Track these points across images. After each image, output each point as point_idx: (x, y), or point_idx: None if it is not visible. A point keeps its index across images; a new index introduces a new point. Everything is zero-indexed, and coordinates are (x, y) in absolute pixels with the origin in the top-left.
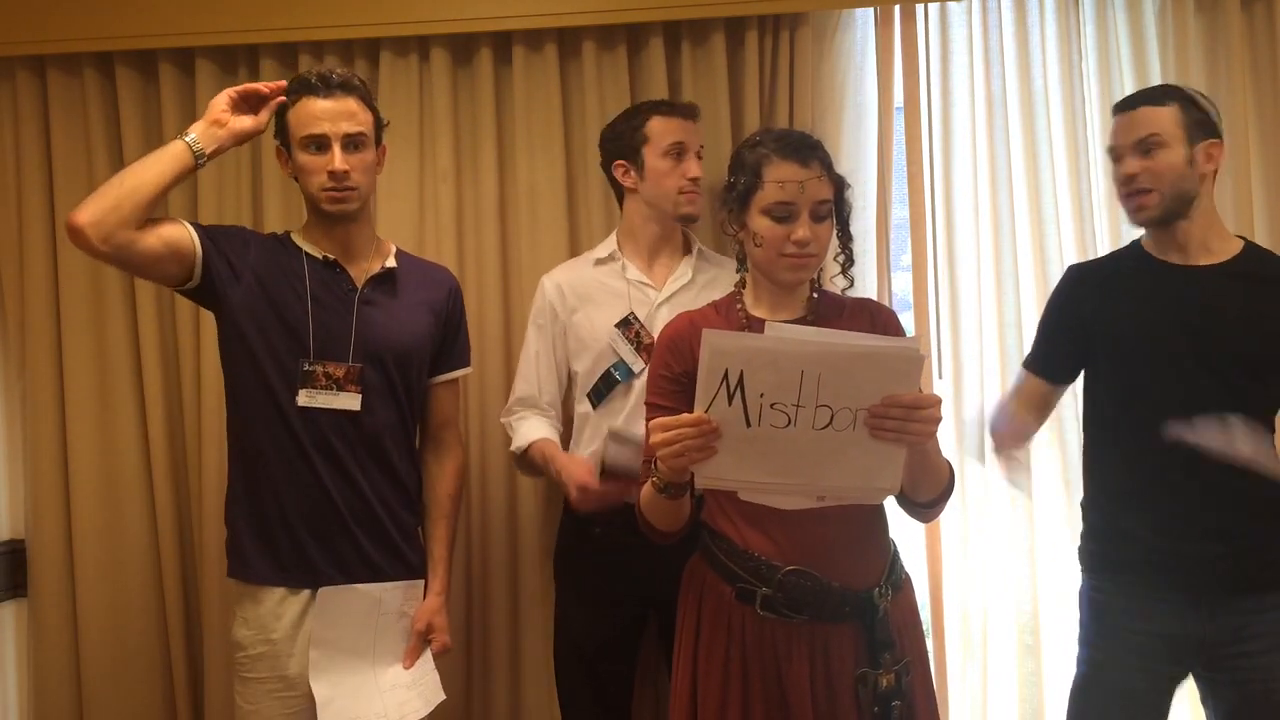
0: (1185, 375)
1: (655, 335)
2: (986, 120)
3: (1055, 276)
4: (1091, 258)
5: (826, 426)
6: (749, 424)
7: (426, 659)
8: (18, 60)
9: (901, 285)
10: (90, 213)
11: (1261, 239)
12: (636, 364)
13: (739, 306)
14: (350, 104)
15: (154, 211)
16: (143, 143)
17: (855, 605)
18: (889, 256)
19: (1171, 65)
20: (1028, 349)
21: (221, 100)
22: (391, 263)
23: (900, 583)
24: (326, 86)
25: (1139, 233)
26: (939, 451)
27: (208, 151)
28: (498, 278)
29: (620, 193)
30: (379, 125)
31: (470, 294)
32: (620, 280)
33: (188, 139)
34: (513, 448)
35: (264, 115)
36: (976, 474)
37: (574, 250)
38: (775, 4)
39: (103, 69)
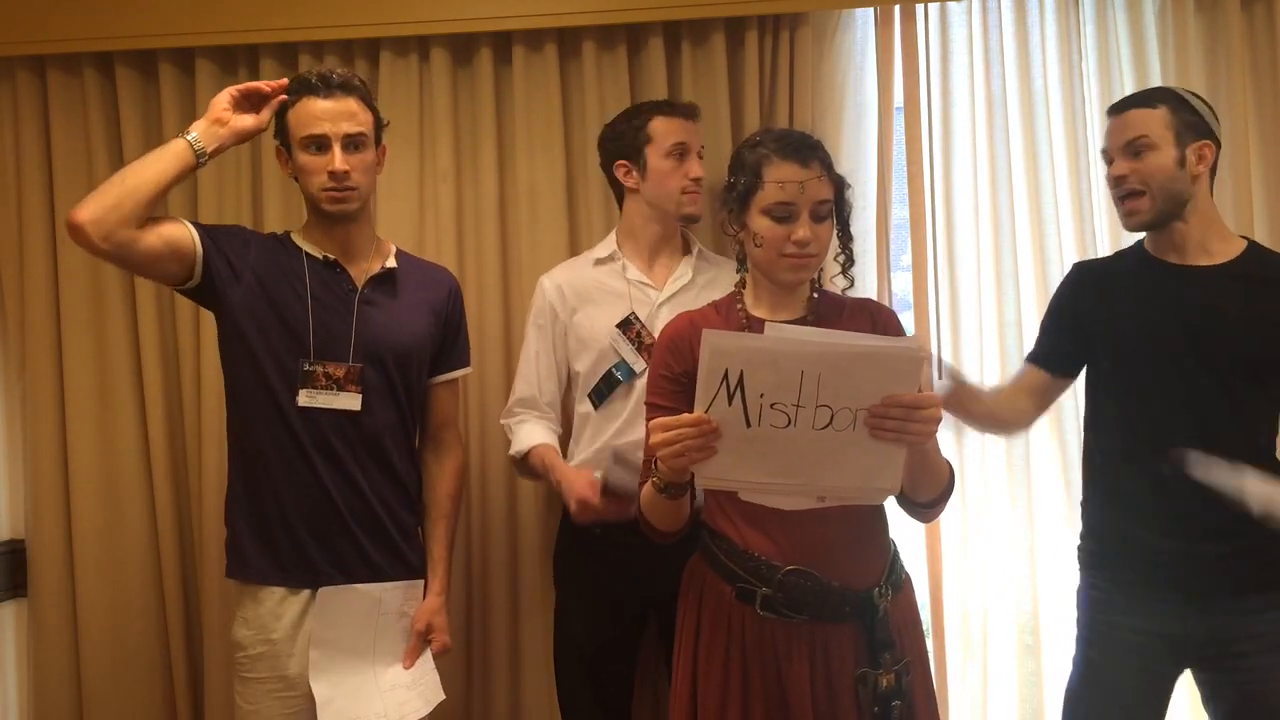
0: (1185, 376)
1: (656, 335)
2: (986, 120)
3: (1055, 276)
4: (1092, 257)
5: (826, 426)
6: (749, 424)
7: (426, 659)
8: (18, 60)
9: (901, 285)
10: (91, 210)
11: (1261, 239)
12: (638, 364)
13: (739, 306)
14: (350, 104)
15: (155, 210)
16: (143, 143)
17: (855, 605)
18: (889, 256)
19: (1171, 65)
20: (1028, 349)
21: (223, 99)
22: (392, 263)
23: (900, 583)
24: (327, 86)
25: (1139, 233)
26: (939, 452)
27: (209, 150)
28: (498, 278)
29: (620, 193)
30: (379, 125)
31: (470, 294)
32: (621, 280)
33: (189, 137)
34: (512, 452)
35: (265, 114)
36: (976, 474)
37: (574, 250)
38: (775, 4)
39: (103, 69)
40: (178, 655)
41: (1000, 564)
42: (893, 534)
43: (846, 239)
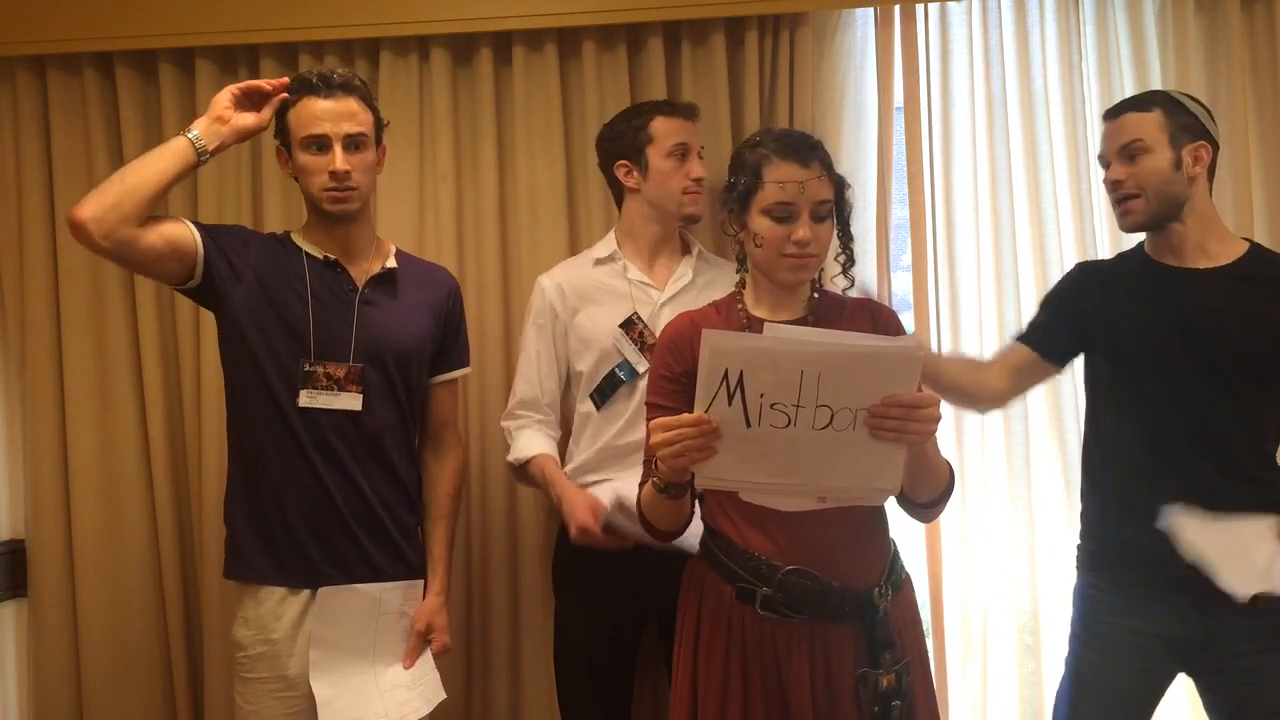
0: (1183, 378)
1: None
2: (986, 120)
3: (1055, 276)
4: (1092, 257)
5: (826, 427)
6: (749, 424)
7: (427, 658)
8: (18, 60)
9: (901, 285)
10: (92, 208)
11: (1261, 239)
12: (640, 364)
13: (739, 307)
14: (351, 104)
15: (156, 209)
16: (143, 143)
17: (855, 605)
18: (889, 256)
19: (1171, 65)
20: None
21: (224, 97)
22: (392, 263)
23: (900, 582)
24: (327, 87)
25: (1139, 234)
26: (938, 452)
27: (210, 148)
28: (498, 278)
29: (619, 193)
30: (379, 125)
31: (470, 294)
32: (622, 280)
33: (190, 135)
34: (510, 458)
35: (266, 112)
36: (976, 474)
37: (574, 250)
38: (775, 4)
39: (103, 69)
40: (178, 655)
41: (1000, 564)
42: (893, 534)
43: (847, 239)
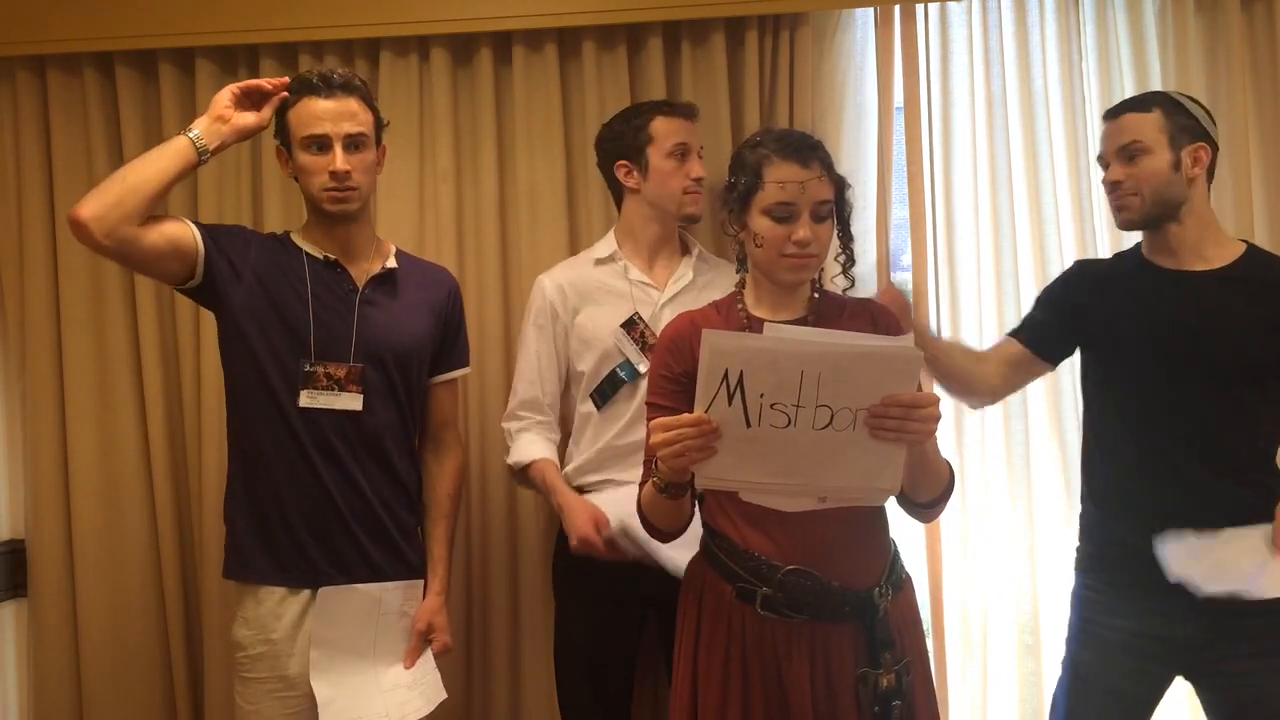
0: (1177, 381)
1: None
2: (986, 120)
3: (1055, 276)
4: (1092, 257)
5: (826, 427)
6: (749, 424)
7: (427, 658)
8: (18, 60)
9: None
10: (93, 207)
11: (1261, 239)
12: (642, 364)
13: (740, 307)
14: (351, 104)
15: (157, 208)
16: (143, 143)
17: (855, 605)
18: (889, 256)
19: (1171, 65)
20: None
21: (225, 96)
22: (392, 263)
23: (900, 582)
24: (328, 86)
25: (1138, 234)
26: (938, 452)
27: (211, 147)
28: (498, 278)
29: (619, 193)
30: (379, 125)
31: (470, 294)
32: (622, 280)
33: (191, 134)
34: (510, 461)
35: (267, 111)
36: (976, 474)
37: (574, 250)
38: (775, 4)
39: (103, 69)
40: (178, 655)
41: (1000, 564)
42: (893, 534)
43: (847, 239)
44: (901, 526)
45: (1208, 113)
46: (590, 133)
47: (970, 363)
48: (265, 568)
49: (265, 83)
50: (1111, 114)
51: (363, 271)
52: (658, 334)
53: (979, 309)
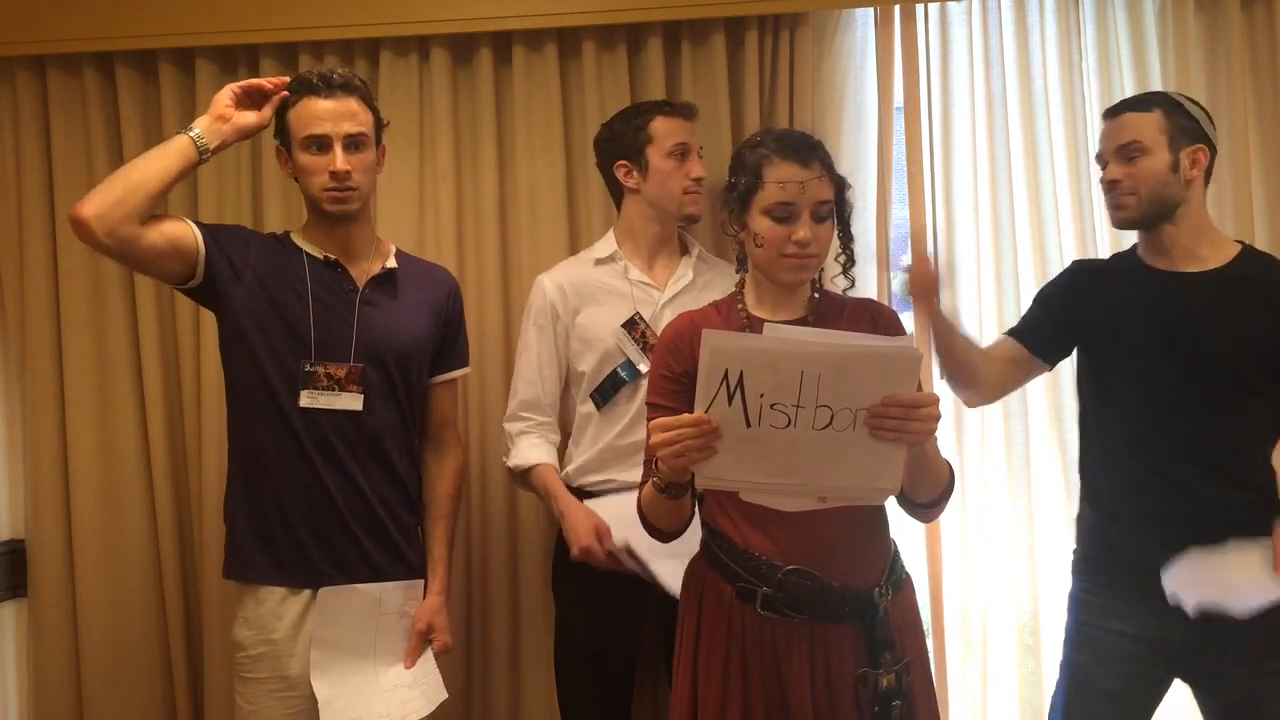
0: (1170, 384)
1: None
2: (986, 120)
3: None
4: (1091, 257)
5: (826, 427)
6: (749, 424)
7: (428, 658)
8: (18, 60)
9: (901, 285)
10: (95, 206)
11: (1261, 239)
12: (643, 364)
13: (740, 307)
14: (351, 104)
15: (158, 207)
16: (142, 143)
17: (855, 605)
18: (889, 256)
19: (1171, 65)
20: None
21: (225, 95)
22: (392, 263)
23: (901, 582)
24: (328, 87)
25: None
26: (938, 452)
27: (211, 146)
28: (498, 278)
29: (618, 193)
30: (379, 125)
31: (470, 294)
32: (623, 280)
33: (192, 133)
34: (511, 464)
35: (267, 111)
36: (976, 474)
37: (574, 250)
38: (775, 4)
39: (103, 69)
40: (178, 655)
41: (1000, 564)
42: (893, 534)
43: (847, 239)
44: (901, 526)
45: (1207, 115)
46: (590, 133)
47: (979, 356)
48: (265, 568)
49: (266, 82)
50: (1111, 113)
51: (363, 271)
52: (659, 334)
53: (979, 309)
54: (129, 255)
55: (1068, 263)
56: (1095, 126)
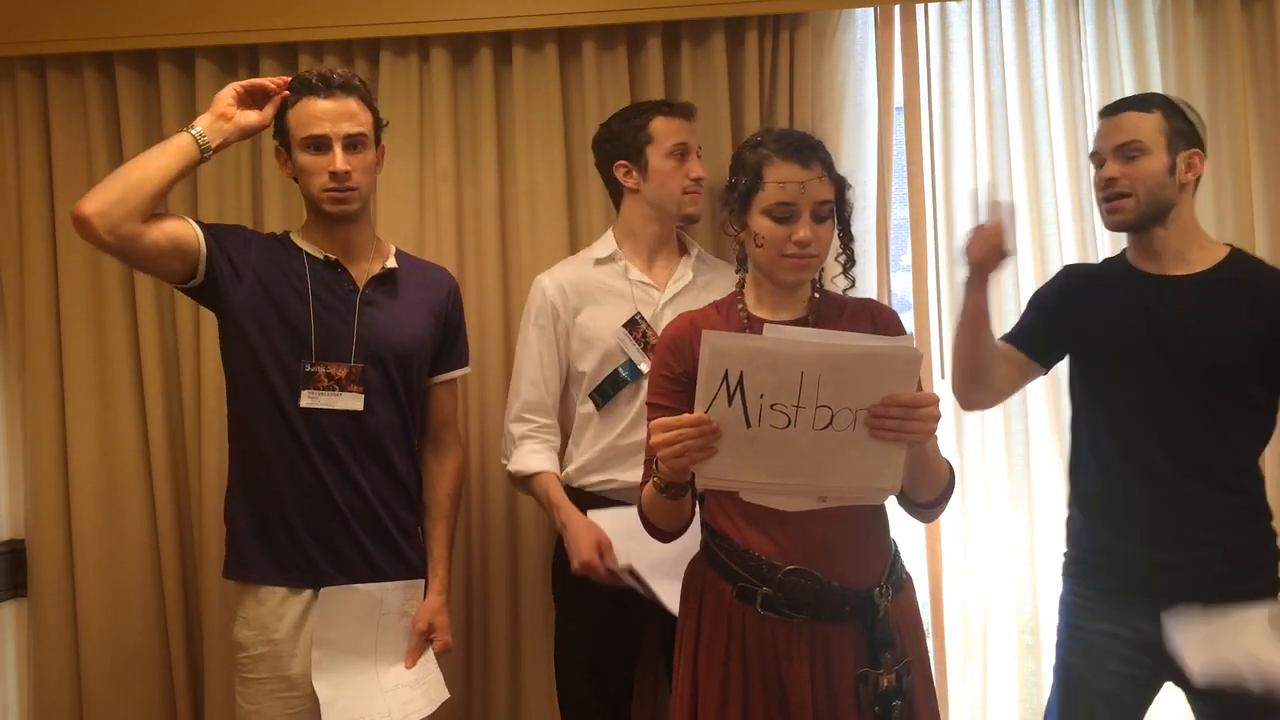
0: (1156, 385)
1: None
2: (986, 120)
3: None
4: (1091, 256)
5: (826, 427)
6: (749, 424)
7: (429, 658)
8: (18, 60)
9: (901, 285)
10: (96, 203)
11: (1261, 239)
12: (644, 364)
13: (740, 307)
14: (351, 104)
15: (159, 205)
16: (142, 143)
17: (856, 605)
18: (889, 256)
19: (1171, 65)
20: None
21: (227, 94)
22: (392, 263)
23: (901, 582)
24: (327, 87)
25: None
26: (938, 452)
27: (213, 145)
28: (498, 278)
29: (617, 193)
30: (379, 125)
31: (470, 294)
32: (623, 280)
33: (193, 132)
34: (512, 469)
35: (269, 110)
36: (976, 474)
37: (574, 250)
38: (775, 4)
39: (103, 69)
40: (178, 655)
41: (1000, 564)
42: (893, 534)
43: (847, 239)
44: (901, 526)
45: (1201, 121)
46: (590, 133)
47: (997, 355)
48: (265, 568)
49: (268, 82)
50: (1109, 111)
51: (363, 271)
52: (659, 334)
53: None
54: (130, 253)
55: (1068, 262)
56: (1095, 126)
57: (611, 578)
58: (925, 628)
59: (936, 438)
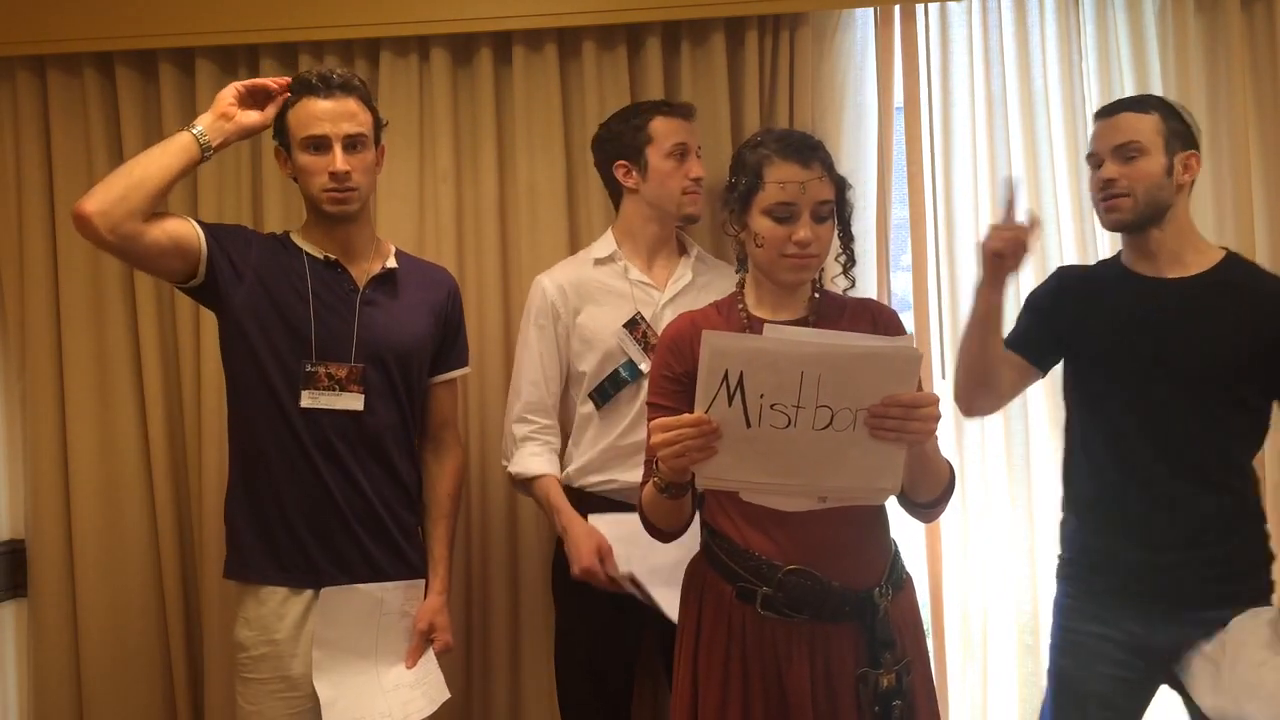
0: (1149, 387)
1: None
2: (986, 120)
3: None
4: (1091, 259)
5: (826, 427)
6: (749, 424)
7: (429, 658)
8: (18, 60)
9: (901, 285)
10: (98, 202)
11: (1261, 240)
12: (645, 364)
13: (740, 307)
14: (350, 104)
15: (160, 204)
16: (142, 143)
17: (856, 605)
18: (889, 256)
19: (1171, 65)
20: None
21: (229, 94)
22: (392, 263)
23: (901, 582)
24: (327, 87)
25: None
26: (939, 452)
27: (214, 144)
28: (498, 278)
29: (617, 193)
30: (378, 125)
31: (470, 294)
32: (622, 280)
33: (194, 131)
34: (513, 471)
35: (270, 110)
36: (976, 474)
37: (574, 250)
38: (775, 4)
39: (103, 69)
40: (178, 655)
41: (1000, 564)
42: (893, 534)
43: (847, 239)
44: (901, 526)
45: (1195, 123)
46: (590, 133)
47: (1004, 358)
48: (266, 568)
49: (270, 82)
50: (1106, 112)
51: (363, 271)
52: (659, 334)
53: None
54: (131, 252)
55: (1067, 263)
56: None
57: (611, 584)
58: (925, 628)
59: (937, 438)
